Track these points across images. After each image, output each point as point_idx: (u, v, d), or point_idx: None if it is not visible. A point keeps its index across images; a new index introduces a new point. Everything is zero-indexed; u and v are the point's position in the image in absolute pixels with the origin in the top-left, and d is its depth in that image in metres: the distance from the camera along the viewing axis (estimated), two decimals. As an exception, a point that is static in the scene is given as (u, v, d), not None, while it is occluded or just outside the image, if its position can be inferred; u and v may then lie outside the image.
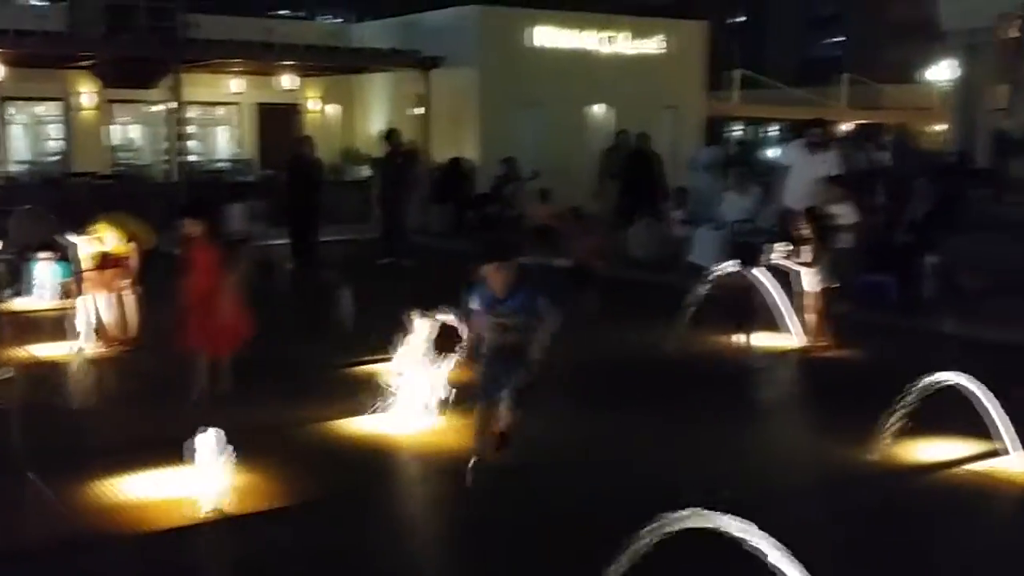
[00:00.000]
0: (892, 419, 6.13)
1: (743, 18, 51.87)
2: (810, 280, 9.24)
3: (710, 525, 3.33)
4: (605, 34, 22.54)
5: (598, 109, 22.72)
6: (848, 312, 10.12)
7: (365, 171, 20.75)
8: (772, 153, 27.10)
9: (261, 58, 20.74)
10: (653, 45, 23.36)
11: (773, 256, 9.21)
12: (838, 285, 9.26)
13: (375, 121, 23.57)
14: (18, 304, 11.20)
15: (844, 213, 9.92)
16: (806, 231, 9.24)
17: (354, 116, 24.63)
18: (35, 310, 10.83)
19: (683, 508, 3.40)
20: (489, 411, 6.03)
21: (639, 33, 23.16)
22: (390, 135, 15.51)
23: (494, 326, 5.93)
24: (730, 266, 9.47)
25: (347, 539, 5.28)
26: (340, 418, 7.14)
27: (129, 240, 9.13)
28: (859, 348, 9.47)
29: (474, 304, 5.99)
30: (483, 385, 6.09)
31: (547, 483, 5.84)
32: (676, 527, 3.40)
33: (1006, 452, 6.16)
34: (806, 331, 9.32)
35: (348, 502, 5.78)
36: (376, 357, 7.97)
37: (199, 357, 7.56)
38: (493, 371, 5.99)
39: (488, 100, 20.97)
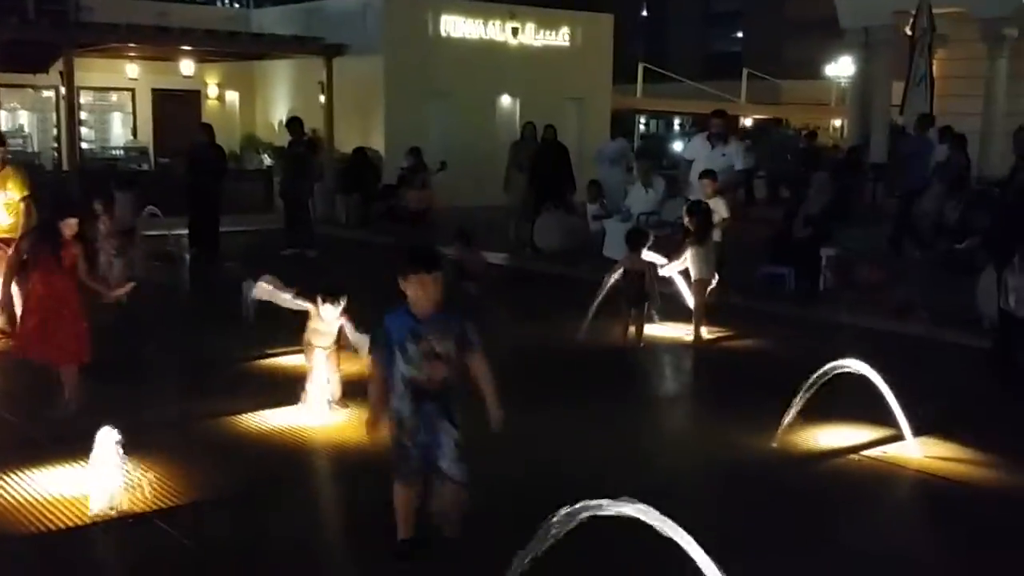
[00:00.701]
0: (791, 407, 6.26)
1: (645, 12, 52.52)
2: (691, 271, 9.42)
3: (610, 512, 3.33)
4: (511, 24, 22.55)
5: (506, 100, 22.74)
6: (746, 303, 10.33)
7: (267, 160, 20.39)
8: (678, 146, 27.50)
9: (157, 42, 20.13)
10: (559, 37, 23.49)
11: (645, 250, 9.31)
12: (712, 278, 9.40)
13: (278, 109, 23.18)
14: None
15: (717, 208, 10.09)
16: (688, 224, 9.43)
17: (255, 103, 24.17)
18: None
19: (584, 499, 3.40)
20: (414, 489, 4.70)
21: (545, 25, 23.24)
22: (292, 124, 15.25)
23: (417, 356, 4.48)
24: (622, 254, 9.58)
25: (246, 536, 5.17)
26: (243, 412, 6.97)
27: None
28: (757, 338, 9.68)
29: (379, 345, 4.62)
30: (404, 452, 4.61)
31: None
32: (583, 515, 3.40)
33: (902, 438, 6.36)
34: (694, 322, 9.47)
35: (250, 498, 5.66)
36: (280, 350, 7.81)
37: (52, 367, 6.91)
38: (419, 429, 4.58)
39: (394, 89, 20.80)
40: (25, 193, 8.90)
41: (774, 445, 6.37)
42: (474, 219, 16.37)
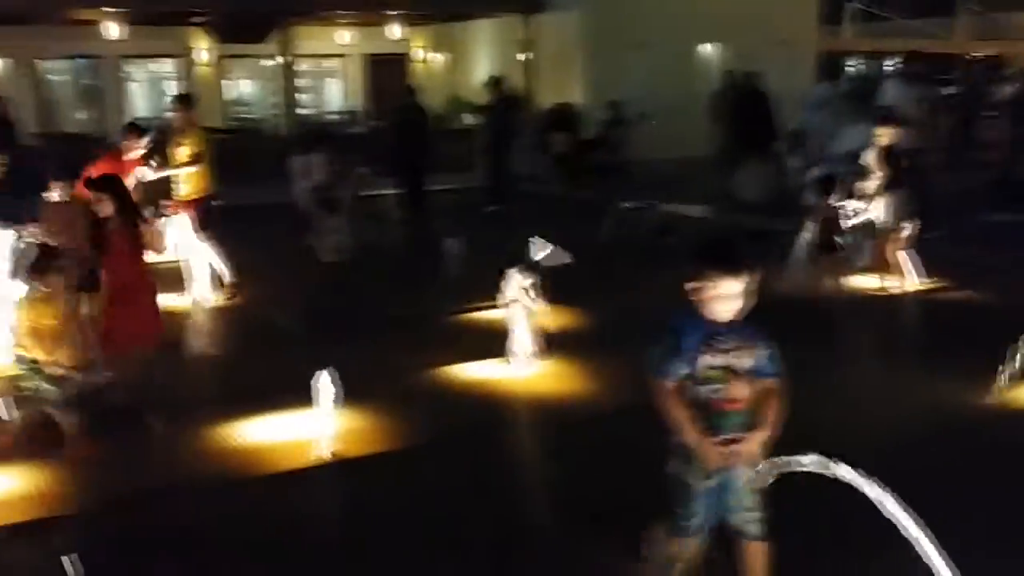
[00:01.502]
0: (1009, 361, 5.96)
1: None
2: (880, 217, 8.99)
3: (825, 471, 3.32)
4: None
5: (707, 48, 22.23)
6: (963, 252, 9.78)
7: (471, 119, 20.81)
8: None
9: (368, 8, 20.93)
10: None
11: (836, 197, 8.93)
12: (908, 225, 8.93)
13: (481, 69, 23.58)
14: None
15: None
16: (880, 169, 8.99)
17: (460, 64, 24.68)
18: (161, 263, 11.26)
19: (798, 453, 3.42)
20: (697, 545, 3.80)
21: (750, -33, 22.47)
22: (494, 83, 15.51)
23: (715, 372, 3.61)
24: (812, 199, 9.27)
25: (456, 481, 5.44)
26: (451, 364, 7.31)
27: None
28: (972, 289, 9.17)
29: (669, 353, 3.62)
30: (688, 496, 3.71)
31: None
32: (792, 469, 3.44)
33: None
34: (885, 269, 9.05)
35: (459, 443, 5.95)
36: (485, 304, 8.06)
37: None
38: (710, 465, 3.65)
39: (594, 43, 20.73)
40: (199, 150, 9.46)
41: (991, 400, 6.09)
42: (673, 171, 16.28)
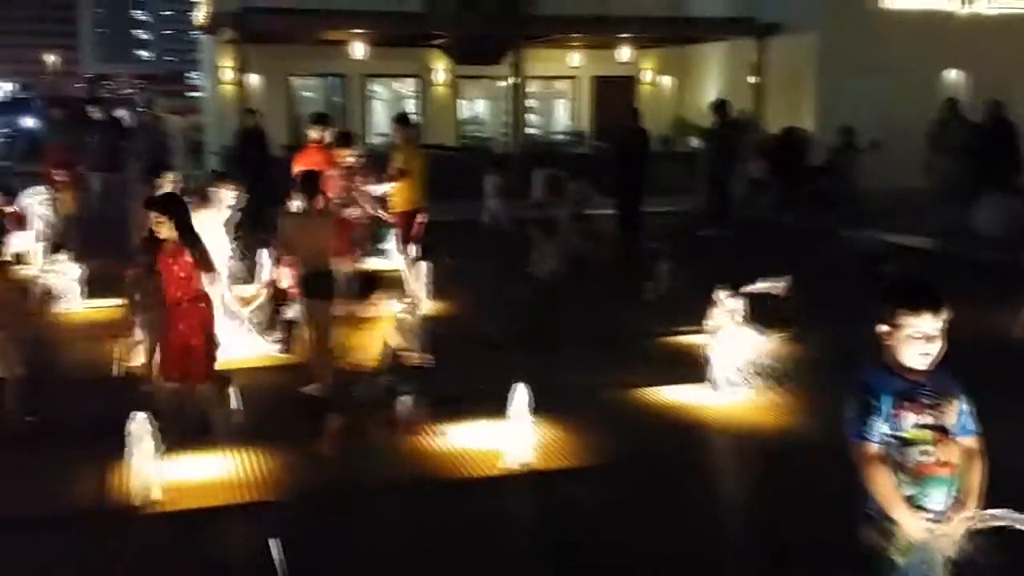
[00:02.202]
0: None
1: None
2: None
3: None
4: (963, -7, 20.83)
5: (951, 74, 21.08)
6: None
7: (695, 142, 20.66)
8: None
9: (599, 31, 21.22)
10: (1017, 2, 21.28)
11: None
12: None
13: (708, 91, 23.36)
14: (369, 264, 12.32)
15: None
16: None
17: (688, 87, 24.55)
18: (381, 270, 11.85)
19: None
20: None
21: (1002, -10, 21.19)
22: (718, 105, 15.36)
23: (920, 432, 3.24)
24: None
25: (640, 504, 5.46)
26: (650, 385, 7.32)
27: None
28: None
29: (870, 418, 3.24)
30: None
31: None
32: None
33: None
34: None
35: (649, 466, 5.96)
36: (692, 329, 8.00)
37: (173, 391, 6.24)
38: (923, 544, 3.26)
39: (827, 66, 20.10)
40: (407, 168, 9.91)
41: None
42: (907, 201, 15.53)
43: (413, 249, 9.86)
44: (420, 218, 9.94)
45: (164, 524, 5.16)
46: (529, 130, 22.60)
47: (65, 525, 5.17)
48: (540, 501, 5.60)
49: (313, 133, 10.26)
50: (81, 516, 5.25)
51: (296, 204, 8.20)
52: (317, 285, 7.16)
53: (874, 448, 3.23)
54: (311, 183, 7.68)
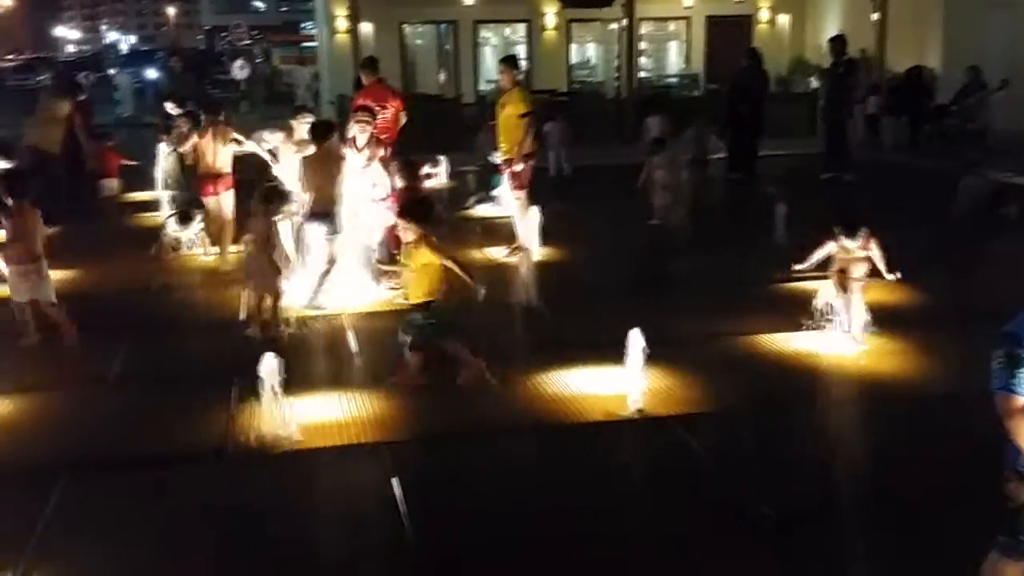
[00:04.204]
0: None
1: None
2: None
3: None
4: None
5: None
6: None
7: (813, 82, 20.07)
8: None
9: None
10: None
11: None
12: None
13: (828, 30, 22.54)
14: (480, 211, 12.41)
15: None
16: None
17: (806, 25, 23.76)
18: (493, 217, 11.92)
19: None
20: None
21: None
22: (834, 43, 14.76)
23: None
24: None
25: (756, 449, 5.42)
26: (768, 333, 7.22)
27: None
28: None
29: (1016, 371, 3.09)
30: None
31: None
32: None
33: None
34: None
35: (762, 414, 5.91)
36: (811, 275, 7.85)
37: None
38: None
39: (955, 2, 19.19)
40: (525, 110, 9.80)
41: None
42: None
43: (524, 195, 9.84)
44: (530, 163, 9.89)
45: (292, 462, 5.35)
46: (640, 73, 22.25)
47: (198, 462, 5.40)
48: (655, 447, 5.61)
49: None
50: (213, 454, 5.48)
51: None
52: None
53: (1021, 401, 3.08)
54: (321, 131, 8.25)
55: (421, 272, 6.26)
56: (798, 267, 7.23)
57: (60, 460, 5.40)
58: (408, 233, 6.29)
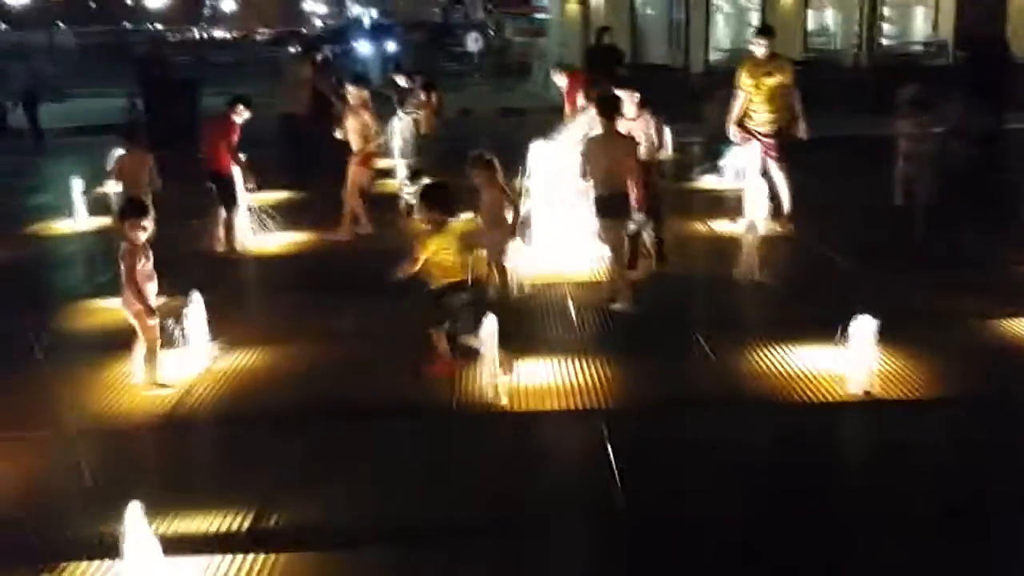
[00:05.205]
0: None
1: None
2: None
3: None
4: None
5: None
6: None
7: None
8: None
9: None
10: None
11: None
12: None
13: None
14: (707, 182, 12.19)
15: None
16: None
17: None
18: (720, 189, 11.67)
19: None
20: None
21: None
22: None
23: None
24: None
25: (998, 443, 5.10)
26: (1007, 316, 6.77)
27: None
28: None
29: None
30: None
31: None
32: None
33: None
34: None
35: (1007, 406, 5.55)
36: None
37: None
38: None
39: None
40: (793, 80, 9.48)
41: None
42: None
43: (775, 167, 9.58)
44: (784, 137, 9.60)
45: (510, 423, 5.51)
46: (884, 40, 21.11)
47: (415, 416, 5.65)
48: (879, 432, 5.38)
49: None
50: (430, 411, 5.72)
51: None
52: (610, 206, 7.36)
53: None
54: (610, 105, 7.66)
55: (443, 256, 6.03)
56: None
57: (302, 409, 5.80)
58: (426, 222, 6.13)
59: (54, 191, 12.63)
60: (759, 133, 9.66)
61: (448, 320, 6.12)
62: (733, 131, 9.88)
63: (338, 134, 10.08)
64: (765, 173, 9.64)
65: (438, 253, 6.00)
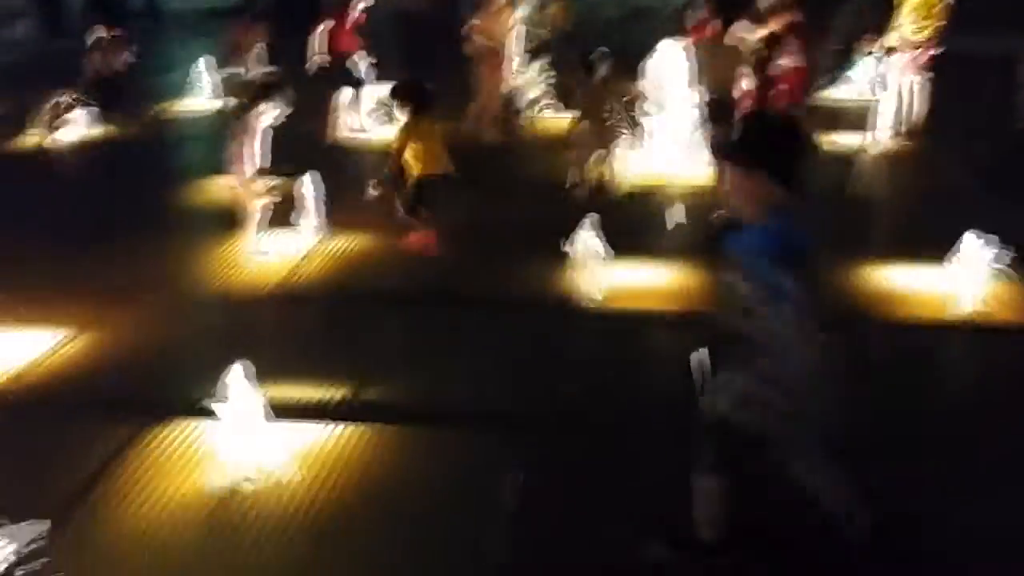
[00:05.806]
0: None
1: None
2: None
3: None
4: None
5: None
6: None
7: None
8: None
9: None
10: None
11: None
12: None
13: None
14: (832, 93, 11.72)
15: None
16: None
17: None
18: (845, 100, 11.22)
19: None
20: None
21: None
22: None
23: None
24: None
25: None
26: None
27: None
28: None
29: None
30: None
31: None
32: None
33: None
34: None
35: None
36: None
37: None
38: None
39: None
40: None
41: None
42: None
43: (917, 82, 9.14)
44: (931, 51, 9.13)
45: (600, 321, 5.57)
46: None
47: (519, 309, 5.75)
48: (988, 356, 5.22)
49: None
50: (530, 304, 5.81)
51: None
52: (719, 111, 7.25)
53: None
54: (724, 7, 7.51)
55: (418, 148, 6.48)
56: None
57: (406, 292, 6.01)
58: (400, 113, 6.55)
59: (177, 72, 12.90)
60: (910, 44, 9.20)
61: (428, 207, 6.59)
62: (881, 41, 9.45)
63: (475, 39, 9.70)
64: (899, 88, 9.24)
65: (416, 145, 6.44)
